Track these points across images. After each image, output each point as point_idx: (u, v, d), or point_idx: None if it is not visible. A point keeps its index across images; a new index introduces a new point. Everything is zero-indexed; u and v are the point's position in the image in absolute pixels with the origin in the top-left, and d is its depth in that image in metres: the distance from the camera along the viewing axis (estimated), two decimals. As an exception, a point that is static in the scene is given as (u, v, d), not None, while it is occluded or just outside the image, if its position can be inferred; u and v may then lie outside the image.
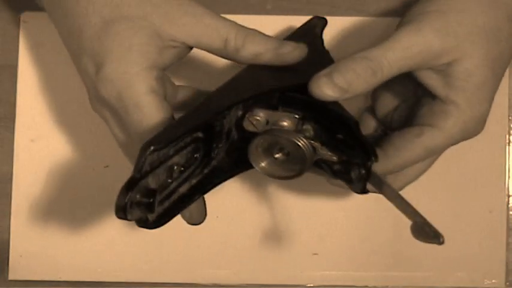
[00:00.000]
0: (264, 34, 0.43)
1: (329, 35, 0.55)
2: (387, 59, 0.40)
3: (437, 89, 0.43)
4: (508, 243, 0.55)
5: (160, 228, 0.55)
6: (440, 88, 0.43)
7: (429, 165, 0.47)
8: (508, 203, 0.55)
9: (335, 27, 0.55)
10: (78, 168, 0.56)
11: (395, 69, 0.41)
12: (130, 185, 0.35)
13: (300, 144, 0.39)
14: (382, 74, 0.40)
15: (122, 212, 0.35)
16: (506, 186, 0.55)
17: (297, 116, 0.40)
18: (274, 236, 0.55)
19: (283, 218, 0.55)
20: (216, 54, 0.43)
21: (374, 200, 0.55)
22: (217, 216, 0.55)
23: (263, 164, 0.41)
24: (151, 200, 0.37)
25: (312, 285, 0.56)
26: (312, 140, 0.40)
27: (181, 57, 0.44)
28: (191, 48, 0.43)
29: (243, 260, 0.55)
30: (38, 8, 0.53)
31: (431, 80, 0.43)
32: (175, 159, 0.39)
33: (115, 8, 0.42)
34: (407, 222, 0.55)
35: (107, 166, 0.56)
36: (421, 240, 0.38)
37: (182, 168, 0.39)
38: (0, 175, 0.56)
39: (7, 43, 0.56)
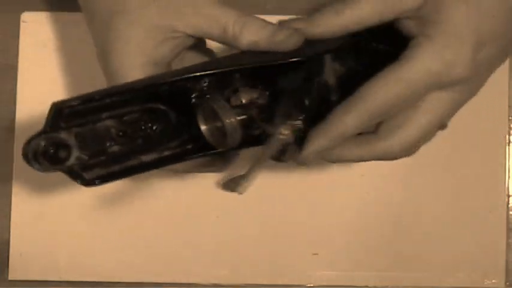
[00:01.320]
0: (262, 21, 0.42)
1: (329, 35, 0.55)
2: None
3: (410, 28, 0.41)
4: (508, 243, 0.55)
5: (161, 228, 0.56)
6: (413, 27, 0.41)
7: (429, 131, 0.42)
8: (508, 203, 0.55)
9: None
10: (78, 168, 0.56)
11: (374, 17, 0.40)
12: (33, 136, 0.37)
13: (220, 116, 0.39)
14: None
15: (26, 159, 0.37)
16: (506, 186, 0.55)
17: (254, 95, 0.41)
18: (274, 236, 0.55)
19: (283, 218, 0.55)
20: (217, 41, 0.43)
21: (374, 200, 0.55)
22: (217, 216, 0.55)
23: (204, 127, 0.41)
24: (62, 155, 0.38)
25: (312, 285, 0.56)
26: (250, 116, 0.41)
27: (185, 47, 0.44)
28: (194, 37, 0.43)
29: (243, 260, 0.55)
30: (38, 8, 0.53)
31: (406, 23, 0.41)
32: (110, 123, 0.40)
33: (117, 1, 0.42)
34: (408, 223, 0.55)
35: (107, 166, 0.56)
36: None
37: (121, 133, 0.41)
38: (0, 175, 0.56)
39: (7, 43, 0.56)
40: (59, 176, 0.56)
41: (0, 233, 0.56)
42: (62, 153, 0.38)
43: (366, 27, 0.41)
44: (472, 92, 0.43)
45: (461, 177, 0.55)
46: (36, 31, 0.56)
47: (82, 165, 0.39)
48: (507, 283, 0.55)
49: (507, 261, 0.55)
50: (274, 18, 0.55)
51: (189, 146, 0.42)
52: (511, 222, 0.55)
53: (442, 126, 0.43)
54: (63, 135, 0.38)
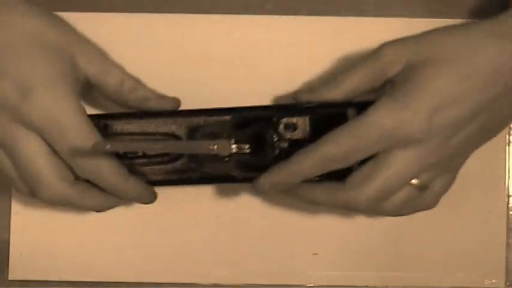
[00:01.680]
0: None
1: (329, 35, 0.55)
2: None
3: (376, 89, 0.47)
4: (508, 243, 0.55)
5: (161, 228, 0.56)
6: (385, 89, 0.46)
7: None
8: (508, 203, 0.55)
9: (335, 27, 0.55)
10: (78, 168, 0.56)
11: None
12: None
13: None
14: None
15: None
16: (506, 186, 0.55)
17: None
18: (274, 236, 0.55)
19: (283, 218, 0.55)
20: (109, 94, 0.49)
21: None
22: (217, 216, 0.55)
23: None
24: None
25: (312, 285, 0.56)
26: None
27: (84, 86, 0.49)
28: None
29: (243, 260, 0.55)
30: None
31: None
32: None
33: (36, 35, 0.46)
34: (407, 222, 0.55)
35: (107, 166, 0.55)
36: None
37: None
38: (0, 175, 0.56)
39: (7, 43, 0.56)
40: (59, 176, 0.56)
41: (0, 233, 0.56)
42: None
43: (361, 93, 0.47)
44: (439, 155, 0.45)
45: (461, 177, 0.55)
46: (36, 31, 0.56)
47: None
48: (507, 283, 0.55)
49: (507, 261, 0.55)
50: (274, 18, 0.55)
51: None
52: (511, 222, 0.55)
53: (422, 187, 0.46)
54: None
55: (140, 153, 0.50)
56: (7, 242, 0.56)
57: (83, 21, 0.55)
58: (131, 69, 0.54)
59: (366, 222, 0.55)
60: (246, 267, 0.55)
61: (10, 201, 0.56)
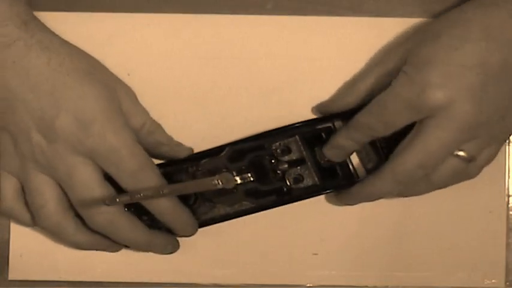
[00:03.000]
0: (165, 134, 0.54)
1: (329, 35, 0.55)
2: None
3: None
4: (508, 243, 0.55)
5: (160, 228, 0.56)
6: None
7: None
8: (508, 203, 0.55)
9: (335, 27, 0.55)
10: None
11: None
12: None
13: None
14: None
15: None
16: (506, 186, 0.55)
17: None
18: (274, 236, 0.55)
19: (283, 218, 0.55)
20: None
21: (374, 201, 0.55)
22: (217, 216, 0.55)
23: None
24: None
25: (312, 285, 0.56)
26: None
27: None
28: None
29: (243, 260, 0.55)
30: (38, 8, 0.53)
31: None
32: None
33: (86, 73, 0.49)
34: (407, 222, 0.55)
35: (107, 166, 0.56)
36: None
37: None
38: (0, 175, 0.56)
39: (7, 43, 0.56)
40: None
41: (0, 233, 0.56)
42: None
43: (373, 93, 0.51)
44: (474, 121, 0.47)
45: (461, 177, 0.55)
46: (36, 31, 0.56)
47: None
48: (507, 283, 0.55)
49: (507, 261, 0.55)
50: (274, 18, 0.55)
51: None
52: (511, 222, 0.55)
53: (469, 158, 0.49)
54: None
55: None
56: (7, 242, 0.56)
57: (83, 21, 0.55)
58: (131, 68, 0.54)
59: (366, 222, 0.55)
60: (246, 267, 0.55)
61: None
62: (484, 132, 0.48)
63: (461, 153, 0.48)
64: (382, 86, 0.49)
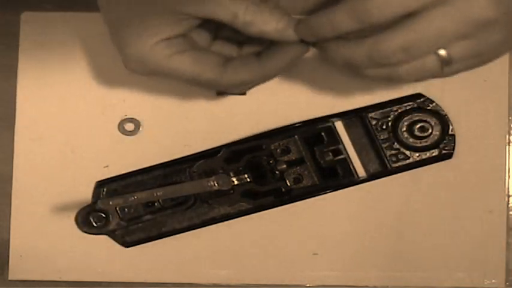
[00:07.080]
0: (274, 10, 0.45)
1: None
2: None
3: None
4: (508, 243, 0.55)
5: (160, 228, 0.56)
6: None
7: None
8: (508, 203, 0.55)
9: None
10: (78, 168, 0.56)
11: None
12: (82, 207, 0.54)
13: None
14: None
15: (76, 223, 0.54)
16: (506, 186, 0.55)
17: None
18: (274, 236, 0.55)
19: (283, 218, 0.55)
20: (227, 25, 0.45)
21: (374, 201, 0.55)
22: (217, 216, 0.55)
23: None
24: (102, 222, 0.55)
25: (312, 285, 0.56)
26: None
27: (195, 25, 0.46)
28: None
29: (243, 260, 0.55)
30: (38, 8, 0.53)
31: None
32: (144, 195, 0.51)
33: None
34: (407, 223, 0.55)
35: (107, 166, 0.56)
36: None
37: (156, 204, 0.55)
38: (0, 175, 0.56)
39: (7, 43, 0.56)
40: (59, 176, 0.56)
41: (0, 233, 0.56)
42: (103, 220, 0.54)
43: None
44: (466, 23, 0.42)
45: (461, 177, 0.55)
46: (36, 31, 0.56)
47: (124, 230, 0.54)
48: (507, 283, 0.55)
49: (507, 261, 0.55)
50: (274, 18, 0.55)
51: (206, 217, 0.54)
52: (511, 222, 0.55)
53: (446, 60, 0.43)
54: (103, 206, 0.50)
55: (159, 205, 0.54)
56: (7, 242, 0.56)
57: (83, 21, 0.55)
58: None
59: (366, 222, 0.55)
60: (246, 267, 0.55)
61: (10, 202, 0.56)
62: (483, 36, 0.43)
63: (441, 51, 0.43)
64: None
